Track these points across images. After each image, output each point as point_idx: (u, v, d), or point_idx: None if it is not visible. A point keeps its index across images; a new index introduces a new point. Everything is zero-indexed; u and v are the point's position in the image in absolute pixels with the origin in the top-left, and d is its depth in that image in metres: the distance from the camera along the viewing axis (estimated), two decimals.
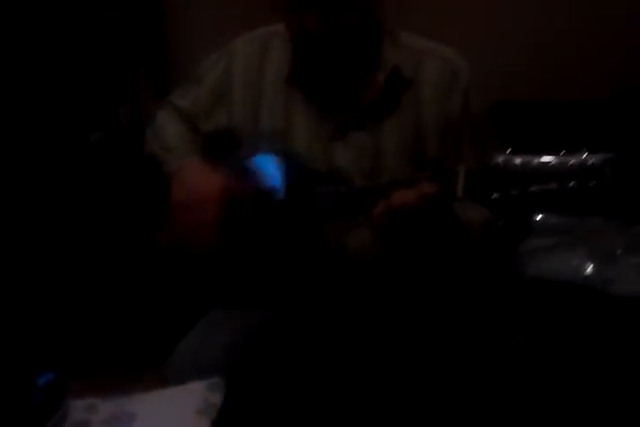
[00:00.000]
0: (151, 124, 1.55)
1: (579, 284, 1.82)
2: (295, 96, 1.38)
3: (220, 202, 1.32)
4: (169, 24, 2.53)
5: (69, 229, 2.28)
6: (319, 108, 1.37)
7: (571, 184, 0.99)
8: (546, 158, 1.02)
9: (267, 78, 1.41)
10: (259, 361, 1.35)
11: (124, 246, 1.94)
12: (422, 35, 1.41)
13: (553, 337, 1.68)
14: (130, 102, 2.49)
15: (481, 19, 2.27)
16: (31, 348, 1.97)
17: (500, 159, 1.04)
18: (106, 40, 2.39)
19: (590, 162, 0.98)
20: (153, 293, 1.56)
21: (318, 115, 1.37)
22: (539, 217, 1.97)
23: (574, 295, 1.81)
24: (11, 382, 1.15)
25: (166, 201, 1.39)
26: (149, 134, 1.54)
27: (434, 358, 1.34)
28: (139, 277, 1.62)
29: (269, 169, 1.35)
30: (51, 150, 2.32)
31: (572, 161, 0.99)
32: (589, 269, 1.84)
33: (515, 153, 1.05)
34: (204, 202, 1.32)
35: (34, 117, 2.30)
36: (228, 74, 1.44)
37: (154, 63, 2.51)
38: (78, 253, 2.27)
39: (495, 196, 1.04)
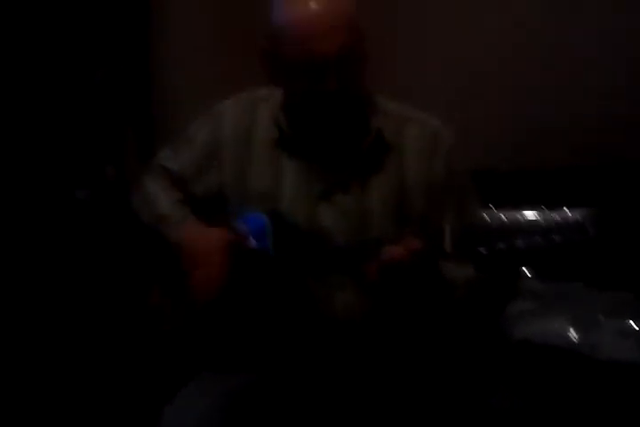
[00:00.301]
0: (140, 189, 1.55)
1: (565, 348, 1.82)
2: (283, 159, 1.41)
3: (225, 254, 1.35)
4: (155, 84, 2.59)
5: (55, 285, 2.26)
6: (306, 171, 1.40)
7: (555, 238, 1.01)
8: (529, 214, 1.04)
9: (255, 140, 1.43)
10: (258, 420, 1.33)
11: (113, 306, 1.93)
12: (404, 102, 1.45)
13: (542, 402, 1.66)
14: (115, 160, 2.53)
15: (465, 87, 2.34)
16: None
17: (486, 214, 1.06)
18: (92, 99, 2.44)
19: (573, 217, 1.00)
20: (143, 354, 1.54)
21: (305, 177, 1.40)
22: (522, 281, 1.99)
23: (562, 360, 1.80)
24: None
25: (161, 261, 1.42)
26: (139, 202, 1.54)
27: (422, 422, 1.32)
28: (127, 336, 1.60)
29: (257, 227, 1.37)
30: (37, 206, 2.33)
31: (555, 216, 1.02)
32: (574, 334, 1.85)
33: (498, 208, 1.07)
34: (211, 257, 1.35)
35: (20, 173, 2.32)
36: (217, 135, 1.46)
37: (140, 122, 2.56)
38: (65, 312, 2.25)
39: (482, 250, 1.05)
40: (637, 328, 1.81)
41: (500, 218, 1.06)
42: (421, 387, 1.36)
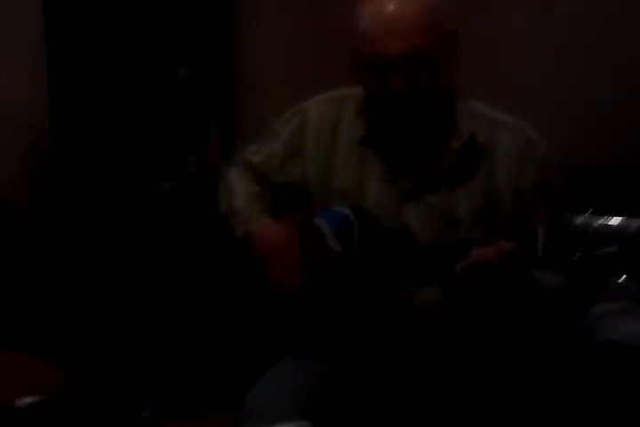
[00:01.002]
0: (223, 179, 1.59)
1: None
2: (368, 157, 1.41)
3: (295, 250, 1.38)
4: (239, 81, 2.62)
5: (145, 277, 2.33)
6: (392, 170, 1.39)
7: None
8: (626, 221, 1.01)
9: (340, 138, 1.44)
10: (341, 406, 1.35)
11: (201, 294, 1.97)
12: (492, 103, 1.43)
13: (621, 404, 1.62)
14: (199, 154, 2.58)
15: (556, 84, 2.28)
16: (135, 385, 2.05)
17: (581, 220, 1.04)
18: (177, 94, 2.49)
19: None
20: (231, 337, 1.58)
21: (391, 176, 1.40)
22: (610, 281, 1.93)
23: None
24: (116, 414, 1.19)
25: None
26: (221, 193, 1.58)
27: (499, 419, 1.31)
28: (219, 321, 1.65)
29: (340, 223, 1.37)
30: (123, 197, 2.40)
31: None
32: None
33: (595, 215, 1.05)
34: (282, 254, 1.39)
35: (108, 165, 2.39)
36: (302, 132, 1.48)
37: (223, 117, 2.60)
38: (161, 296, 2.32)
39: (577, 257, 1.03)
40: None
41: (595, 225, 1.03)
42: (498, 386, 1.35)
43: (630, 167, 2.13)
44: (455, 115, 1.37)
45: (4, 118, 2.31)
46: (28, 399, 1.36)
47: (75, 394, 1.44)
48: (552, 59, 2.28)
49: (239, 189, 1.53)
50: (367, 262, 1.33)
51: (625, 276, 1.86)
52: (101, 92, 2.37)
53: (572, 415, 1.28)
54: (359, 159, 1.42)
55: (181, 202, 2.44)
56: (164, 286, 2.35)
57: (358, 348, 1.39)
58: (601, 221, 1.03)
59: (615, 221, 1.02)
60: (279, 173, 1.51)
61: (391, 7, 1.27)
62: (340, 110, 1.45)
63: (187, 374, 2.26)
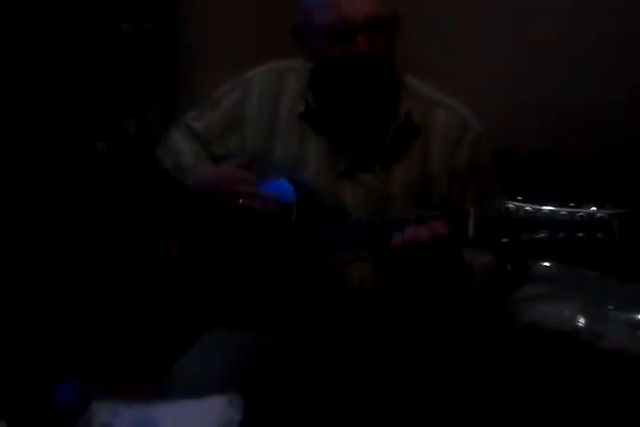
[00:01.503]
0: (163, 140, 1.58)
1: (570, 334, 1.83)
2: (308, 132, 1.41)
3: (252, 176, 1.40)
4: (183, 43, 2.57)
5: (74, 238, 2.28)
6: (331, 146, 1.39)
7: (579, 235, 1.00)
8: (555, 208, 1.03)
9: (281, 110, 1.44)
10: (273, 379, 1.35)
11: (132, 259, 1.94)
12: (432, 81, 1.44)
13: (544, 386, 1.68)
14: (138, 115, 2.52)
15: (495, 67, 2.31)
16: (56, 356, 2.03)
17: (511, 205, 1.05)
18: (118, 52, 2.42)
19: (599, 215, 1.00)
20: (161, 306, 1.57)
21: (330, 152, 1.40)
22: (535, 265, 1.98)
23: (565, 346, 1.81)
24: (38, 386, 1.18)
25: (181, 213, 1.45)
26: (162, 151, 1.56)
27: (425, 399, 1.34)
28: (148, 289, 1.63)
29: (280, 193, 1.37)
30: (56, 156, 2.33)
31: (581, 213, 1.01)
32: (581, 321, 1.85)
33: (524, 201, 1.06)
34: (240, 180, 1.41)
35: (39, 123, 2.31)
36: (244, 103, 1.46)
37: (164, 79, 2.54)
38: (87, 264, 2.28)
39: (505, 240, 1.05)
40: None
41: (525, 210, 1.05)
42: (426, 363, 1.37)
43: (562, 155, 2.18)
44: (395, 93, 1.38)
45: None
46: None
47: None
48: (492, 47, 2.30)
49: (184, 147, 1.52)
50: (303, 236, 1.32)
51: (550, 261, 1.93)
52: (38, 44, 2.28)
53: (493, 396, 1.31)
54: (299, 133, 1.41)
55: (117, 162, 2.38)
56: (94, 249, 2.30)
57: (290, 321, 1.40)
58: (530, 207, 1.05)
59: (544, 208, 1.04)
60: (218, 142, 1.50)
61: None
62: (283, 83, 1.45)
63: (114, 341, 2.23)
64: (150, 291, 1.60)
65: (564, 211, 1.02)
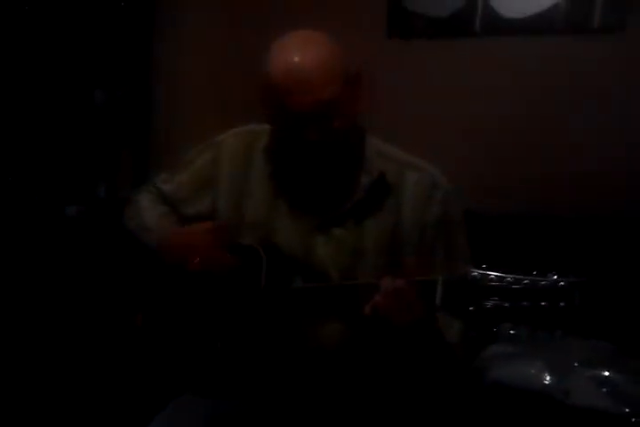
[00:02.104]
0: (132, 203, 1.59)
1: (538, 392, 1.85)
2: (279, 190, 1.44)
3: (211, 231, 1.40)
4: (155, 108, 2.61)
5: (42, 301, 2.26)
6: (302, 203, 1.42)
7: (542, 303, 1.04)
8: (519, 277, 1.07)
9: (252, 171, 1.46)
10: None
11: (99, 323, 1.93)
12: (402, 147, 1.49)
13: None
14: (109, 179, 2.53)
15: (460, 131, 2.40)
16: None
17: (477, 273, 1.09)
18: (91, 118, 2.45)
19: (561, 284, 1.04)
20: (126, 372, 1.55)
21: (301, 209, 1.42)
22: (501, 325, 2.02)
23: (533, 404, 1.83)
24: None
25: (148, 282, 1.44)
26: (129, 212, 1.57)
27: None
28: (113, 356, 1.61)
29: (250, 258, 1.38)
30: (25, 219, 2.32)
31: (544, 281, 1.05)
32: (547, 379, 1.88)
33: (489, 268, 1.10)
34: (197, 236, 1.40)
35: (8, 186, 2.31)
36: (215, 164, 1.49)
37: (136, 143, 2.57)
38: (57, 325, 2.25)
39: (471, 308, 1.08)
40: (612, 378, 1.85)
41: (490, 278, 1.09)
42: (396, 424, 1.38)
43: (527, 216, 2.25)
44: (363, 152, 1.42)
45: None
46: None
47: None
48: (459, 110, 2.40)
49: (150, 211, 1.53)
50: (272, 300, 1.34)
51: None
52: (10, 109, 2.30)
53: None
54: (270, 193, 1.44)
55: (87, 227, 2.38)
56: (64, 312, 2.27)
57: (258, 386, 1.40)
58: (495, 275, 1.09)
59: (508, 276, 1.08)
60: (188, 203, 1.51)
61: (294, 61, 1.26)
62: (254, 144, 1.48)
63: (81, 409, 2.19)
64: (116, 357, 1.59)
65: (527, 279, 1.06)
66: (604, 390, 1.83)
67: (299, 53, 1.27)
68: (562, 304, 1.03)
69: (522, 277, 1.07)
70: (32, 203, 2.34)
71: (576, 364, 1.90)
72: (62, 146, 2.41)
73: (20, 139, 2.33)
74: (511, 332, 2.01)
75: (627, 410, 1.78)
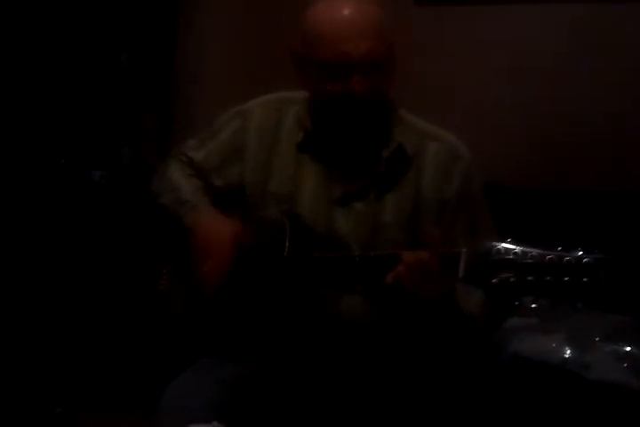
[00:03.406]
0: (162, 173, 1.57)
1: (557, 366, 1.85)
2: (304, 162, 1.44)
3: (234, 245, 1.38)
4: (179, 71, 2.61)
5: (68, 266, 2.29)
6: (326, 176, 1.42)
7: (565, 279, 1.03)
8: (544, 251, 1.06)
9: (280, 142, 1.46)
10: (258, 410, 1.37)
11: (123, 289, 1.95)
12: (428, 116, 1.47)
13: (530, 418, 1.69)
14: (134, 144, 2.54)
15: (485, 103, 2.37)
16: (47, 382, 2.00)
17: (501, 247, 1.08)
18: (116, 82, 2.45)
19: (585, 260, 1.03)
20: (147, 336, 1.58)
21: (324, 181, 1.42)
22: (523, 298, 2.01)
23: (552, 378, 1.83)
24: (30, 411, 1.18)
25: (175, 245, 1.45)
26: (159, 186, 1.56)
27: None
28: (135, 319, 1.64)
29: (274, 228, 1.39)
30: (51, 184, 2.35)
31: (569, 257, 1.04)
32: (567, 352, 1.87)
33: (514, 242, 1.09)
34: (220, 249, 1.38)
35: (35, 151, 2.33)
36: (243, 134, 1.48)
37: (160, 108, 2.57)
38: (79, 292, 2.28)
39: (494, 281, 1.08)
40: (633, 352, 1.84)
41: (514, 252, 1.08)
42: (413, 395, 1.39)
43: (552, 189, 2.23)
44: (389, 124, 1.41)
45: None
46: None
47: None
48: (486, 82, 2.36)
49: (184, 182, 1.52)
50: (295, 269, 1.35)
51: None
52: (37, 73, 2.31)
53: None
54: (296, 165, 1.44)
55: (112, 192, 2.40)
56: (83, 278, 2.31)
57: (278, 352, 1.41)
58: (519, 249, 1.08)
59: (533, 250, 1.07)
60: (218, 173, 1.51)
61: (346, 12, 1.30)
62: (282, 115, 1.47)
63: (100, 371, 2.23)
64: (137, 321, 1.61)
65: (552, 255, 1.05)
66: (625, 364, 1.83)
67: (350, 4, 1.31)
68: (585, 280, 1.02)
69: (546, 251, 1.06)
70: (58, 167, 2.35)
71: (597, 338, 1.89)
72: (88, 110, 2.42)
73: (46, 103, 2.34)
74: (533, 306, 2.01)
75: None
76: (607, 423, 1.74)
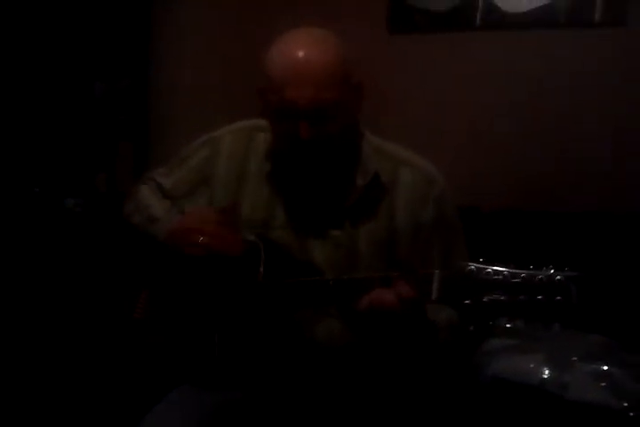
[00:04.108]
0: (132, 196, 1.57)
1: (536, 386, 1.85)
2: (277, 189, 1.43)
3: (218, 220, 1.36)
4: (155, 100, 2.61)
5: (42, 294, 2.26)
6: (299, 204, 1.42)
7: (538, 297, 1.04)
8: (515, 270, 1.07)
9: (250, 169, 1.45)
10: None
11: (98, 316, 1.93)
12: (400, 143, 1.48)
13: None
14: (109, 172, 2.54)
15: (458, 129, 2.40)
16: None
17: (473, 267, 1.09)
18: (91, 110, 2.45)
19: (557, 278, 1.03)
20: (125, 364, 1.56)
21: (298, 210, 1.42)
22: (500, 319, 2.01)
23: (531, 399, 1.83)
24: None
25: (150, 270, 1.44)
26: (131, 207, 1.55)
27: None
28: (112, 348, 1.62)
29: (248, 250, 1.38)
30: (24, 212, 2.33)
31: (540, 275, 1.04)
32: (546, 373, 1.88)
33: (486, 262, 1.10)
34: (207, 221, 1.36)
35: (10, 177, 2.32)
36: (212, 162, 1.48)
37: (136, 135, 2.57)
38: (54, 318, 2.25)
39: (467, 302, 1.08)
40: (610, 372, 1.84)
41: (487, 272, 1.08)
42: (394, 417, 1.38)
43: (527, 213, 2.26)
44: (360, 152, 1.42)
45: None
46: None
47: None
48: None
49: (154, 202, 1.51)
50: (270, 293, 1.34)
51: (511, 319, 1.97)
52: (10, 101, 2.30)
53: None
54: (268, 191, 1.43)
55: (86, 219, 2.38)
56: (58, 306, 2.28)
57: (256, 379, 1.40)
58: (491, 269, 1.08)
59: (505, 270, 1.08)
60: (185, 201, 1.50)
61: (300, 55, 1.26)
62: (252, 142, 1.47)
63: (75, 401, 2.19)
64: (115, 348, 1.59)
65: (523, 273, 1.06)
66: (603, 384, 1.83)
67: (304, 48, 1.27)
68: (558, 298, 1.02)
69: (518, 271, 1.07)
70: (32, 195, 2.34)
71: (574, 358, 1.90)
72: (62, 138, 2.41)
73: (19, 131, 2.33)
74: (507, 325, 2.01)
75: (625, 404, 1.78)
76: None
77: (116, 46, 2.49)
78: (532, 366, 1.89)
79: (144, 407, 1.40)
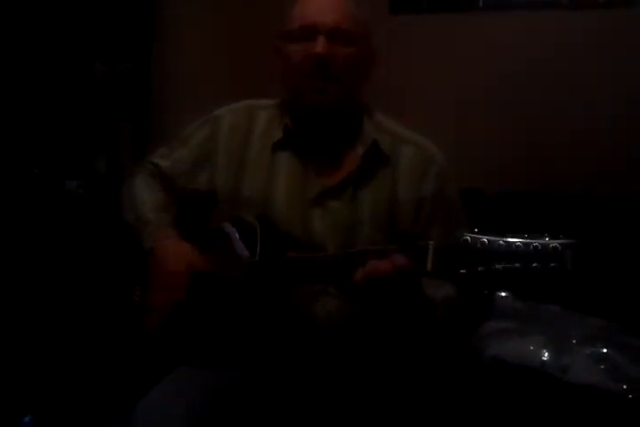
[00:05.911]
0: (129, 187, 1.57)
1: (536, 369, 1.85)
2: (278, 164, 1.43)
3: (188, 273, 1.38)
4: (156, 81, 2.61)
5: (42, 277, 2.26)
6: (300, 176, 1.42)
7: (534, 265, 1.03)
8: (510, 239, 1.06)
9: (251, 147, 1.46)
10: (235, 417, 1.35)
11: (98, 298, 1.93)
12: (403, 121, 1.49)
13: (510, 421, 1.69)
14: (109, 154, 2.53)
15: (459, 111, 2.39)
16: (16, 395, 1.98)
17: (468, 237, 1.08)
18: (91, 92, 2.45)
19: (552, 245, 1.02)
20: (125, 346, 1.56)
21: (299, 182, 1.42)
22: (500, 301, 2.01)
23: (531, 381, 1.83)
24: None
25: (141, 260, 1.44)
26: (125, 199, 1.55)
27: None
28: (112, 329, 1.62)
29: (245, 231, 1.38)
30: (26, 194, 2.33)
31: (535, 243, 1.04)
32: (546, 355, 1.87)
33: (481, 232, 1.09)
34: (175, 275, 1.38)
35: (10, 159, 2.32)
36: (214, 139, 1.48)
37: (136, 117, 2.57)
38: (54, 300, 2.25)
39: (462, 271, 1.07)
40: (610, 355, 1.84)
41: (482, 241, 1.07)
42: (395, 398, 1.38)
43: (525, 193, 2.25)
44: (362, 126, 1.43)
45: None
46: None
47: None
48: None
49: (146, 198, 1.52)
50: (266, 272, 1.34)
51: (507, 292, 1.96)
52: (10, 82, 2.30)
53: None
54: (269, 167, 1.44)
55: (87, 201, 2.39)
56: (58, 288, 2.28)
57: (255, 358, 1.39)
58: (486, 239, 1.07)
59: (500, 239, 1.07)
60: (187, 179, 1.51)
61: None
62: (253, 120, 1.47)
63: (75, 383, 2.20)
64: (113, 331, 1.59)
65: (518, 242, 1.04)
66: (602, 366, 1.83)
67: None
68: (553, 265, 1.01)
69: (513, 239, 1.06)
70: (32, 177, 2.34)
71: (574, 341, 1.90)
72: (62, 120, 2.41)
73: (20, 113, 2.33)
74: (510, 307, 2.01)
75: (624, 387, 1.78)
76: (585, 425, 1.74)
77: (118, 27, 2.48)
78: (531, 348, 1.89)
79: (144, 388, 1.39)
